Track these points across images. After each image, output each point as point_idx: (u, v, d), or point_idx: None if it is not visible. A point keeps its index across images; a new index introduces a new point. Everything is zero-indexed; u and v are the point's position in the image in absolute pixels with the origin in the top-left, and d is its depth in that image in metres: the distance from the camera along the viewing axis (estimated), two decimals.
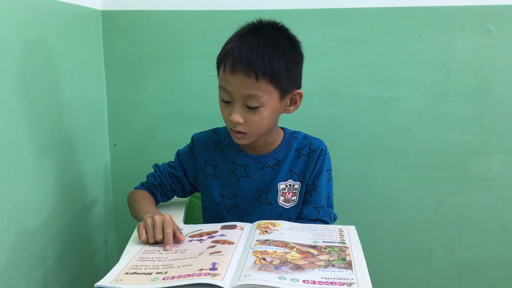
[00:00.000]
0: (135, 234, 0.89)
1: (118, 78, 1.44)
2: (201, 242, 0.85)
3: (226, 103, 0.94)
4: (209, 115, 1.42)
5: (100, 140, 1.45)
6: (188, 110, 1.45)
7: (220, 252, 0.79)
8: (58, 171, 1.16)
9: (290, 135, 1.06)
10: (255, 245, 0.81)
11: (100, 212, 1.44)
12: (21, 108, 0.99)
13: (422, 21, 1.36)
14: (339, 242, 0.83)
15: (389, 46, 1.38)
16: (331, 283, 0.68)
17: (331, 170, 1.07)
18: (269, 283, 0.67)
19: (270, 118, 0.94)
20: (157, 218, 0.86)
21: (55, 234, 1.16)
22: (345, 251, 0.79)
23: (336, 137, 1.43)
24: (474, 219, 1.47)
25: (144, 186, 1.10)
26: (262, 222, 0.93)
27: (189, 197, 1.17)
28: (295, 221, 1.00)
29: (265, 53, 0.90)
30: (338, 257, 0.77)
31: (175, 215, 0.98)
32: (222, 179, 1.06)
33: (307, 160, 1.03)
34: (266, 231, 0.87)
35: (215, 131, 1.10)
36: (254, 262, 0.74)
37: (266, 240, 0.83)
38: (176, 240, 0.85)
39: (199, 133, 1.11)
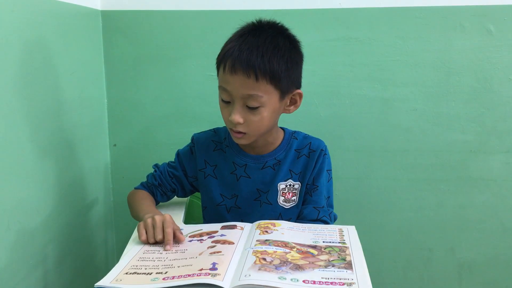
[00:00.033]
0: (135, 234, 0.89)
1: (118, 78, 1.44)
2: (201, 242, 0.85)
3: (226, 103, 0.94)
4: (209, 115, 1.42)
5: (100, 140, 1.45)
6: (188, 110, 1.45)
7: (220, 252, 0.79)
8: (58, 171, 1.16)
9: (290, 135, 1.06)
10: (255, 245, 0.81)
11: (100, 212, 1.44)
12: (21, 108, 0.99)
13: (422, 21, 1.36)
14: (339, 242, 0.83)
15: (389, 46, 1.38)
16: (331, 283, 0.68)
17: (331, 170, 1.07)
18: (269, 283, 0.67)
19: (270, 118, 0.94)
20: (157, 218, 0.86)
21: (55, 234, 1.16)
22: (345, 251, 0.79)
23: (336, 137, 1.43)
24: (474, 219, 1.47)
25: (144, 186, 1.10)
26: (262, 222, 0.93)
27: (189, 197, 1.17)
28: (295, 221, 1.00)
29: (265, 53, 0.89)
30: (338, 257, 0.77)
31: (175, 215, 0.98)
32: (222, 179, 1.06)
33: (307, 160, 1.03)
34: (266, 231, 0.87)
35: (215, 131, 1.10)
36: (254, 262, 0.74)
37: (266, 240, 0.83)
38: (176, 240, 0.85)
39: (199, 133, 1.11)
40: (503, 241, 1.48)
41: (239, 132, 0.95)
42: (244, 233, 0.88)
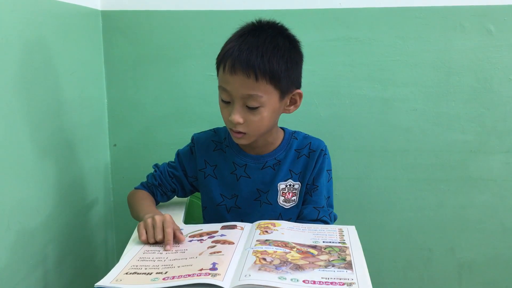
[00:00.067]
0: (135, 234, 0.89)
1: (118, 78, 1.44)
2: (201, 242, 0.85)
3: (226, 103, 0.94)
4: (209, 115, 1.42)
5: (100, 140, 1.45)
6: (188, 110, 1.45)
7: (220, 252, 0.79)
8: (58, 171, 1.16)
9: (290, 135, 1.06)
10: (255, 245, 0.81)
11: (100, 212, 1.44)
12: (21, 108, 0.99)
13: (422, 21, 1.36)
14: (339, 242, 0.83)
15: (389, 46, 1.38)
16: (331, 283, 0.68)
17: (331, 170, 1.07)
18: (269, 283, 0.67)
19: (270, 118, 0.94)
20: (157, 218, 0.86)
21: (55, 234, 1.16)
22: (345, 251, 0.79)
23: (336, 137, 1.43)
24: (474, 219, 1.47)
25: (144, 186, 1.10)
26: (262, 222, 0.93)
27: (189, 197, 1.17)
28: (295, 221, 1.00)
29: (265, 53, 0.89)
30: (338, 257, 0.77)
31: (175, 215, 0.98)
32: (222, 179, 1.06)
33: (307, 160, 1.03)
34: (266, 231, 0.87)
35: (215, 131, 1.10)
36: (254, 262, 0.74)
37: (266, 240, 0.83)
38: (176, 240, 0.85)
39: (199, 133, 1.11)
40: (503, 241, 1.48)
41: (239, 132, 0.95)
42: (244, 233, 0.88)
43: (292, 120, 1.21)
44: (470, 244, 1.49)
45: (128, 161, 1.50)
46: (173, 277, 0.71)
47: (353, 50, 1.38)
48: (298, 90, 0.98)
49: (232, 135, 0.97)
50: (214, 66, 0.96)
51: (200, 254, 0.79)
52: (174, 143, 1.40)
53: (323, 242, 0.83)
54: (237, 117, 0.92)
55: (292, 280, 0.69)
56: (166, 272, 0.73)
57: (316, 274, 0.71)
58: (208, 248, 0.82)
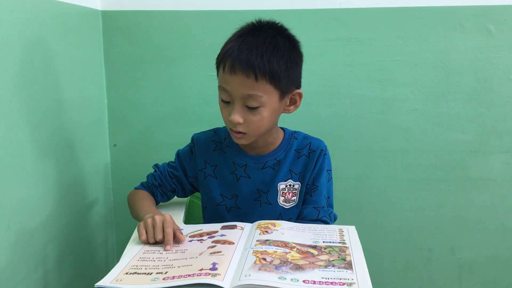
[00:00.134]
0: (135, 234, 0.89)
1: (118, 78, 1.44)
2: (201, 242, 0.85)
3: (226, 103, 0.94)
4: (209, 115, 1.42)
5: (100, 140, 1.45)
6: (188, 110, 1.45)
7: (220, 252, 0.79)
8: (58, 171, 1.16)
9: (290, 135, 1.06)
10: (255, 245, 0.81)
11: (100, 212, 1.44)
12: (21, 108, 0.99)
13: (422, 21, 1.36)
14: (339, 242, 0.83)
15: (389, 46, 1.38)
16: (331, 283, 0.68)
17: (331, 170, 1.07)
18: (269, 283, 0.67)
19: (269, 118, 0.94)
20: (157, 218, 0.86)
21: (55, 234, 1.16)
22: (345, 251, 0.79)
23: (336, 137, 1.43)
24: (474, 219, 1.47)
25: (144, 186, 1.10)
26: (262, 222, 0.93)
27: (189, 197, 1.17)
28: (295, 221, 1.00)
29: (265, 53, 0.89)
30: (338, 257, 0.77)
31: (175, 215, 0.98)
32: (222, 179, 1.06)
33: (307, 160, 1.03)
34: (266, 231, 0.87)
35: (215, 131, 1.10)
36: (254, 262, 0.74)
37: (266, 240, 0.83)
38: (176, 240, 0.85)
39: (199, 133, 1.11)
40: (503, 241, 1.48)
41: (239, 132, 0.95)
42: (244, 233, 0.88)
43: (292, 120, 1.21)
44: (470, 244, 1.49)
45: (128, 161, 1.50)
46: (173, 277, 0.71)
47: (353, 50, 1.38)
48: (298, 90, 0.98)
49: (232, 135, 0.97)
50: (214, 66, 0.96)
51: (200, 254, 0.79)
52: (174, 143, 1.40)
53: (323, 242, 0.83)
54: (237, 117, 0.92)
55: (292, 280, 0.69)
56: (166, 272, 0.73)
57: (316, 274, 0.71)
58: (208, 248, 0.82)
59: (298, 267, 0.73)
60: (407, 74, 1.39)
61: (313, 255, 0.78)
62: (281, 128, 1.07)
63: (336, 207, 1.07)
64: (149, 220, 0.87)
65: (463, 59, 1.37)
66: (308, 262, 0.75)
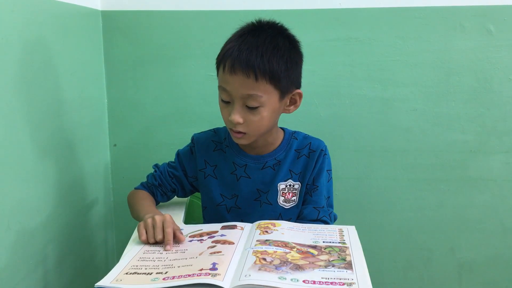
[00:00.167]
0: (135, 234, 0.89)
1: (118, 78, 1.44)
2: (201, 242, 0.85)
3: (226, 103, 0.94)
4: (209, 115, 1.42)
5: (100, 140, 1.45)
6: (188, 110, 1.45)
7: (220, 252, 0.79)
8: (58, 171, 1.16)
9: (290, 135, 1.06)
10: (255, 245, 0.81)
11: (100, 212, 1.44)
12: (21, 108, 0.99)
13: (422, 21, 1.36)
14: (339, 242, 0.83)
15: (389, 46, 1.38)
16: (331, 283, 0.68)
17: (331, 170, 1.07)
18: (269, 283, 0.67)
19: (269, 118, 0.94)
20: (157, 218, 0.86)
21: (55, 234, 1.16)
22: (345, 251, 0.79)
23: (336, 137, 1.43)
24: (474, 219, 1.47)
25: (144, 186, 1.10)
26: (262, 222, 0.93)
27: (189, 197, 1.17)
28: (295, 221, 1.00)
29: (265, 53, 0.90)
30: (338, 257, 0.77)
31: (175, 215, 0.98)
32: (222, 179, 1.06)
33: (307, 160, 1.03)
34: (266, 231, 0.87)
35: (215, 131, 1.10)
36: (254, 262, 0.74)
37: (266, 240, 0.83)
38: (176, 240, 0.85)
39: (199, 133, 1.11)
40: (503, 241, 1.48)
41: (239, 132, 0.95)
42: (244, 233, 0.88)
43: (292, 120, 1.21)
44: (470, 244, 1.49)
45: (128, 161, 1.50)
46: (173, 277, 0.71)
47: (353, 50, 1.38)
48: (298, 90, 0.98)
49: (232, 135, 0.97)
50: (214, 66, 0.96)
51: (200, 254, 0.79)
52: (174, 143, 1.41)
53: (323, 242, 0.83)
54: (237, 117, 0.92)
55: (292, 280, 0.69)
56: (166, 272, 0.73)
57: (316, 274, 0.71)
58: (208, 248, 0.82)
59: (298, 267, 0.73)
60: (407, 74, 1.39)
61: (313, 255, 0.78)
62: (281, 128, 1.07)
63: (336, 207, 1.07)
64: (149, 220, 0.87)
65: (463, 59, 1.37)
66: (308, 262, 0.75)
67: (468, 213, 1.47)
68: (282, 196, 1.03)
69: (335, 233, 0.88)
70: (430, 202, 1.47)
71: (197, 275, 0.70)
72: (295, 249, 0.80)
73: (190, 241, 0.86)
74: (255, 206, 1.04)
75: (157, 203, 1.10)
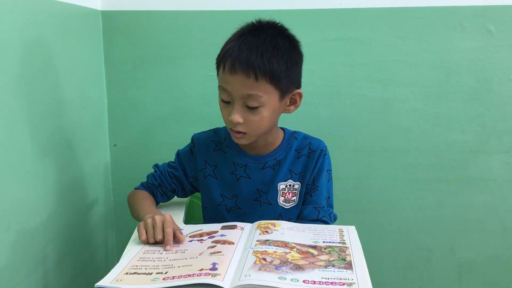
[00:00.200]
0: (135, 234, 0.89)
1: (118, 78, 1.44)
2: (201, 242, 0.85)
3: (226, 103, 0.94)
4: (209, 115, 1.42)
5: (100, 140, 1.45)
6: (188, 110, 1.45)
7: (220, 252, 0.79)
8: (58, 171, 1.16)
9: (290, 135, 1.06)
10: (255, 245, 0.81)
11: (100, 212, 1.44)
12: (21, 108, 0.99)
13: (422, 21, 1.36)
14: (339, 242, 0.83)
15: (389, 46, 1.38)
16: (331, 283, 0.68)
17: (331, 170, 1.07)
18: (269, 283, 0.67)
19: (270, 118, 0.94)
20: (157, 218, 0.86)
21: (55, 234, 1.16)
22: (345, 251, 0.79)
23: (336, 137, 1.43)
24: (474, 219, 1.47)
25: (144, 186, 1.10)
26: (262, 222, 0.93)
27: (189, 197, 1.17)
28: (295, 221, 1.00)
29: (265, 53, 0.90)
30: (338, 257, 0.77)
31: (175, 215, 0.98)
32: (222, 179, 1.06)
33: (307, 160, 1.03)
34: (266, 231, 0.87)
35: (215, 131, 1.10)
36: (254, 262, 0.74)
37: (266, 240, 0.83)
38: (176, 240, 0.85)
39: (199, 133, 1.11)
40: (503, 241, 1.48)
41: (239, 132, 0.95)
42: (244, 233, 0.88)
43: (292, 120, 1.21)
44: (470, 244, 1.49)
45: (128, 161, 1.50)
46: (173, 277, 0.71)
47: (353, 50, 1.38)
48: (298, 90, 0.98)
49: (232, 135, 0.97)
50: (214, 66, 0.96)
51: (200, 254, 0.79)
52: (174, 143, 1.40)
53: (323, 242, 0.83)
54: (237, 117, 0.92)
55: (292, 280, 0.69)
56: (166, 272, 0.73)
57: (316, 274, 0.71)
58: (208, 248, 0.82)
59: (298, 267, 0.73)
60: (407, 74, 1.39)
61: (313, 255, 0.78)
62: (281, 128, 1.07)
63: (336, 207, 1.07)
64: (149, 220, 0.87)
65: (463, 59, 1.37)
66: (308, 262, 0.75)
67: (468, 213, 1.47)
68: (282, 196, 1.03)
69: (335, 233, 0.88)
70: (430, 202, 1.47)
71: (197, 275, 0.70)
72: (295, 249, 0.80)
73: (190, 241, 0.86)
74: (255, 206, 1.04)
75: (157, 203, 1.10)
